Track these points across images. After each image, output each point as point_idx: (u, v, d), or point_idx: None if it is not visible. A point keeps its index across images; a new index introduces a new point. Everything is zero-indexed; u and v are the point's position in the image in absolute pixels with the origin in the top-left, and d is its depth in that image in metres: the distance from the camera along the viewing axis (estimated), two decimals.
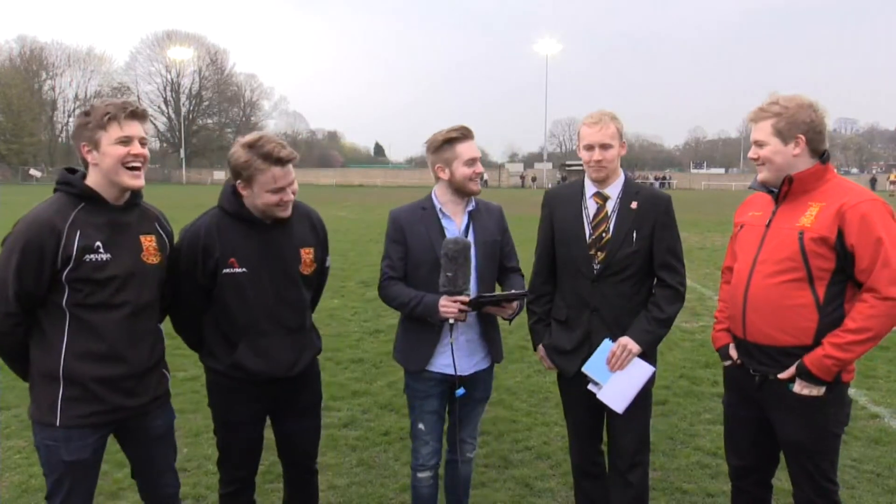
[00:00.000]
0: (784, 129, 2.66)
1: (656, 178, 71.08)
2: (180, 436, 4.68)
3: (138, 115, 2.52)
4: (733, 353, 2.88)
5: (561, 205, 3.17)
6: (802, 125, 2.65)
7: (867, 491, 3.99)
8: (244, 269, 2.80)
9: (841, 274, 2.60)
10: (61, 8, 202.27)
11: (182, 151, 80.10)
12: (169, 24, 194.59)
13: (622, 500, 3.10)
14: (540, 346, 3.24)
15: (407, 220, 3.13)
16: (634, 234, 2.99)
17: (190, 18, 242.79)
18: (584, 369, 3.02)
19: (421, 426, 3.19)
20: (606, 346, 2.99)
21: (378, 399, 5.53)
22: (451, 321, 2.95)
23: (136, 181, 2.53)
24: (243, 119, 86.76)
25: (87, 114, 2.49)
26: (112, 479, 3.92)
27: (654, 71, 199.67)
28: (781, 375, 2.68)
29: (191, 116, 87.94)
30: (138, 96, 79.63)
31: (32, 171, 65.44)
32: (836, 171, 2.75)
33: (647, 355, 3.01)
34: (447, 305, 2.90)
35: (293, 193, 2.85)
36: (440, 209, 3.12)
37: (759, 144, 2.72)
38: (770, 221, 2.75)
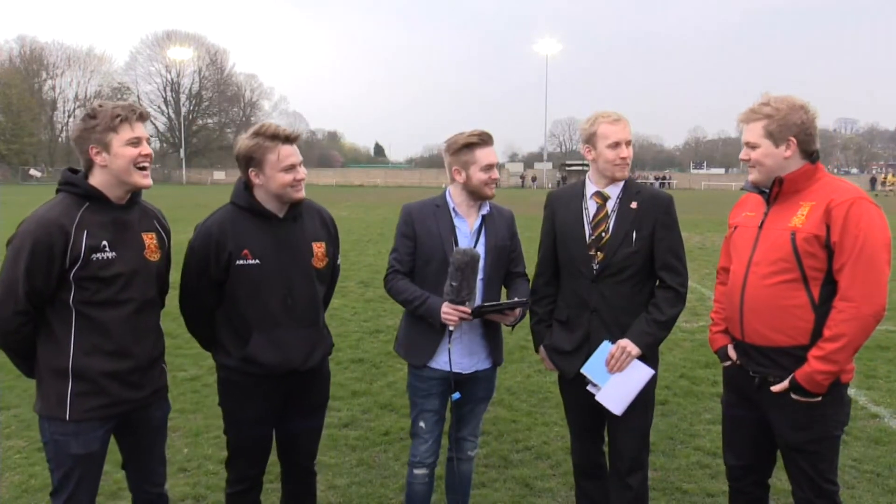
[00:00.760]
0: (776, 132, 2.65)
1: (656, 178, 71.11)
2: (180, 436, 4.70)
3: (145, 116, 2.64)
4: (732, 353, 2.87)
5: (562, 205, 3.18)
6: (794, 127, 2.64)
7: (867, 491, 3.99)
8: (257, 261, 2.83)
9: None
10: (61, 8, 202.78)
11: (182, 151, 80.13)
12: (169, 24, 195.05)
13: (622, 502, 3.09)
14: (541, 347, 3.24)
15: (419, 215, 3.16)
16: (634, 235, 2.99)
17: (190, 18, 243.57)
18: (582, 370, 3.02)
19: (421, 424, 3.20)
20: (605, 347, 2.98)
21: (378, 399, 5.53)
22: (451, 327, 2.98)
23: (147, 180, 2.62)
24: (243, 119, 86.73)
25: (92, 116, 2.53)
26: (112, 479, 3.92)
27: (654, 71, 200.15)
28: (775, 389, 2.67)
29: (191, 116, 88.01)
30: (138, 96, 79.84)
31: (32, 171, 65.50)
32: (835, 170, 2.74)
33: (648, 357, 3.00)
34: (449, 313, 2.94)
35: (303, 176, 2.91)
36: (453, 208, 3.15)
37: (751, 146, 2.72)
38: (762, 223, 2.74)
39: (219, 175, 76.41)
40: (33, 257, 2.44)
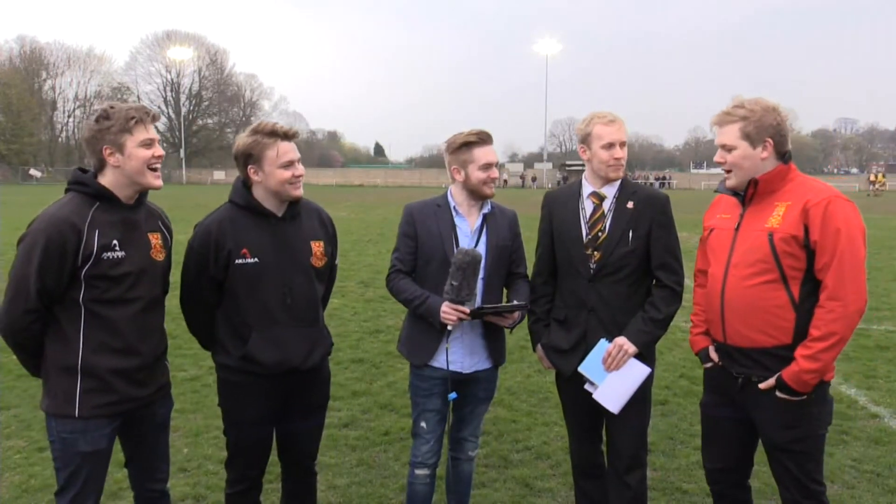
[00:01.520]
0: (752, 133, 2.66)
1: (656, 178, 71.18)
2: (180, 436, 4.70)
3: (157, 118, 2.71)
4: (713, 355, 2.87)
5: (559, 205, 3.19)
6: (770, 128, 2.66)
7: (867, 491, 3.99)
8: (256, 259, 2.84)
9: (813, 272, 2.60)
10: (61, 8, 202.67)
11: (182, 151, 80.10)
12: (169, 24, 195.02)
13: (620, 501, 3.10)
14: (538, 346, 3.25)
15: (420, 215, 3.18)
16: (630, 234, 3.00)
17: (190, 18, 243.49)
18: (580, 369, 3.03)
19: (423, 424, 3.20)
20: (602, 346, 2.99)
21: (378, 399, 5.53)
22: (450, 327, 2.98)
23: (159, 181, 2.67)
24: (243, 119, 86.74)
25: (106, 117, 2.55)
26: (112, 479, 3.92)
27: (654, 71, 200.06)
28: (762, 386, 2.67)
29: (191, 116, 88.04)
30: (138, 96, 79.80)
31: (32, 171, 65.51)
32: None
33: (645, 356, 3.01)
34: (448, 312, 2.94)
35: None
36: (454, 207, 3.16)
37: (727, 148, 2.72)
38: (739, 225, 2.75)
39: (219, 175, 76.38)
40: (46, 255, 2.46)
